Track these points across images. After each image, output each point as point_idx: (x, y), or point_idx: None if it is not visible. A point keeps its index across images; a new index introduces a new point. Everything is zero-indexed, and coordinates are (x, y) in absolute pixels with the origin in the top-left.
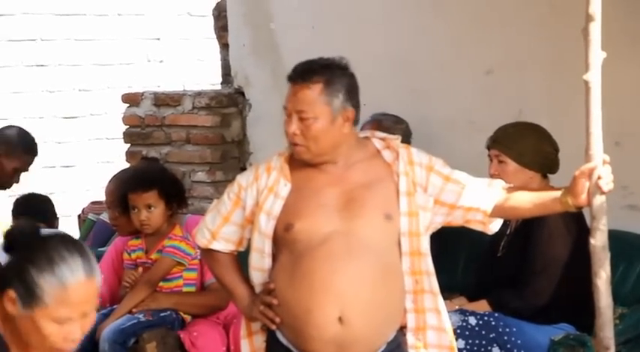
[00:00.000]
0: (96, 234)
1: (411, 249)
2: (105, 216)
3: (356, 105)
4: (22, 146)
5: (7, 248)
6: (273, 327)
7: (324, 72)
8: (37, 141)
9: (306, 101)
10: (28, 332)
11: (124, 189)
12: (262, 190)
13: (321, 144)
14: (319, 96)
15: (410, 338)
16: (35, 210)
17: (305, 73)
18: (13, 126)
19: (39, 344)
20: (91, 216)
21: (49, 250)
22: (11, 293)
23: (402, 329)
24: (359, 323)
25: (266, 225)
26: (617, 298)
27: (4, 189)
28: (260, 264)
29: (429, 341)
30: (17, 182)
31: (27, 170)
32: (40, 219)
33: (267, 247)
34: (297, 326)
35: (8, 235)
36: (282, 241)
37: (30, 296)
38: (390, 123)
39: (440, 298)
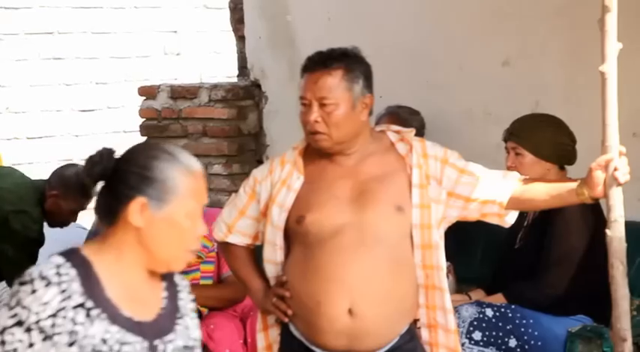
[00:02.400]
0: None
1: (422, 242)
2: None
3: (372, 93)
4: (80, 189)
5: (104, 169)
6: (286, 320)
7: (342, 59)
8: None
9: (328, 87)
10: (159, 238)
11: None
12: (276, 183)
13: (343, 130)
14: (340, 82)
15: (424, 333)
16: None
17: (325, 60)
18: (73, 166)
19: (171, 248)
20: None
21: (159, 147)
22: (140, 200)
23: (416, 322)
24: (369, 315)
25: (278, 217)
26: (634, 289)
27: (62, 226)
28: (273, 256)
29: (439, 341)
30: (74, 220)
31: (84, 209)
32: None
33: (279, 240)
34: (308, 318)
35: (95, 159)
36: (294, 233)
37: (164, 191)
38: (407, 115)
39: (447, 295)
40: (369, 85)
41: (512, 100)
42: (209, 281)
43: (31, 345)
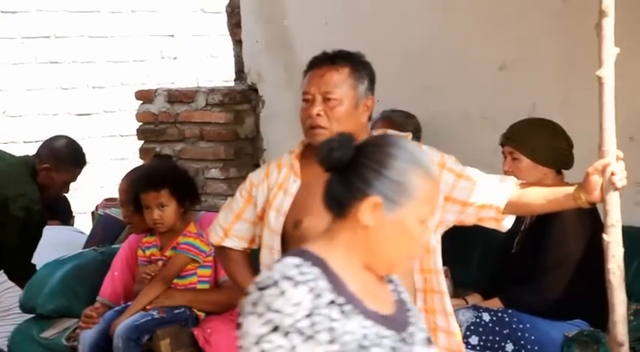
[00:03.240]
0: (104, 229)
1: None
2: (112, 211)
3: (374, 97)
4: (71, 159)
5: (338, 159)
6: None
7: (349, 59)
8: (84, 150)
9: (333, 83)
10: (386, 240)
11: (136, 189)
12: (272, 187)
13: (343, 127)
14: (347, 79)
15: None
16: (52, 207)
17: (332, 57)
18: (62, 137)
19: (396, 252)
20: (99, 211)
21: (400, 145)
22: (375, 199)
23: None
24: None
25: (275, 221)
26: (631, 294)
27: (54, 199)
28: (270, 261)
29: (440, 344)
30: (66, 192)
31: (75, 180)
32: (57, 217)
33: (277, 244)
34: None
35: (334, 145)
36: (291, 238)
37: (401, 194)
38: (402, 119)
39: (447, 298)
40: (372, 88)
41: (509, 105)
42: (206, 286)
43: (293, 349)
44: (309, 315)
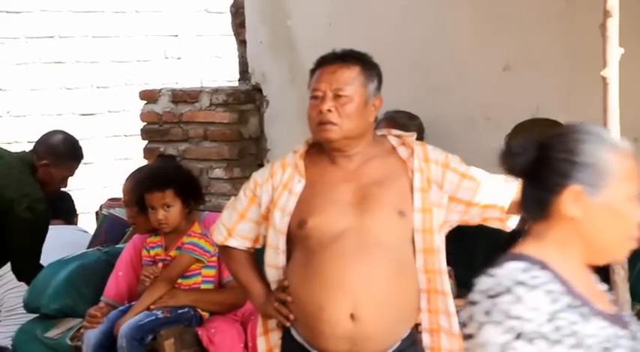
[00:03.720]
0: (108, 229)
1: (424, 246)
2: (117, 211)
3: (381, 97)
4: (69, 155)
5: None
6: (288, 324)
7: (359, 58)
8: (80, 144)
9: (345, 80)
10: (599, 227)
11: (141, 189)
12: (277, 187)
13: (353, 124)
14: (358, 77)
15: (425, 338)
16: (56, 206)
17: (343, 56)
18: (58, 133)
19: (612, 236)
20: (104, 211)
21: (583, 129)
22: (575, 188)
23: (417, 327)
24: (371, 320)
25: (280, 221)
26: (635, 294)
27: (53, 194)
28: (275, 260)
29: (442, 345)
30: (65, 187)
31: (73, 175)
32: (61, 216)
33: (282, 244)
34: (310, 322)
35: (517, 151)
36: (296, 238)
37: (598, 176)
38: (405, 120)
39: (450, 299)
40: (379, 88)
41: (513, 105)
42: (210, 286)
43: None
44: (550, 320)
